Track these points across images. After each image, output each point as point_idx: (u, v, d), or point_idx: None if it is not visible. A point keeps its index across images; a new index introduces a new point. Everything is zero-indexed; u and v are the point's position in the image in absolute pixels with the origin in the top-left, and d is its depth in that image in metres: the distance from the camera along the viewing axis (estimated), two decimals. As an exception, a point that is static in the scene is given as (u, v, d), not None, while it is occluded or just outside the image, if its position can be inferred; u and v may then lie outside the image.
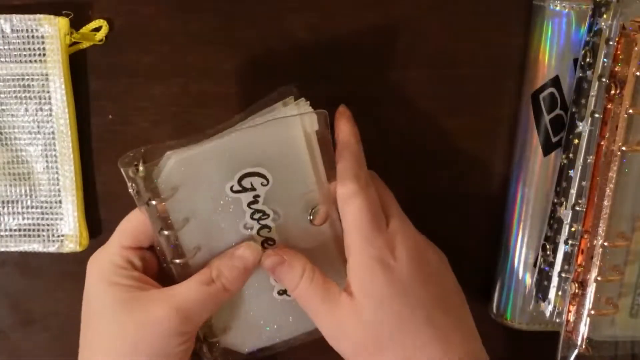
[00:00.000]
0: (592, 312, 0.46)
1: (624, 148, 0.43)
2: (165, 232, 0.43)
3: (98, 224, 0.50)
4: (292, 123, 0.42)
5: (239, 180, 0.42)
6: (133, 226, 0.43)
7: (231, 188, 0.42)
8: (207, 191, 0.42)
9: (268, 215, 0.44)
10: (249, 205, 0.43)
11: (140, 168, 0.41)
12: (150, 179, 0.41)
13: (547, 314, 0.49)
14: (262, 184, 0.43)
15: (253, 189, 0.43)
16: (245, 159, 0.42)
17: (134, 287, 0.42)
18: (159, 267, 0.45)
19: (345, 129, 0.43)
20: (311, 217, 0.44)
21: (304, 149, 0.43)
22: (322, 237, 0.45)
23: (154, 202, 0.42)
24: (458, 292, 0.45)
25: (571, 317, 0.47)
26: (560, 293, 0.48)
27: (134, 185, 0.41)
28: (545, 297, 0.48)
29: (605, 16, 0.44)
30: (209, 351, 0.47)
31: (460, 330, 0.43)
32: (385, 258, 0.41)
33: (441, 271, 0.45)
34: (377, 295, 0.41)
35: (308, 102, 0.43)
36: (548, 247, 0.48)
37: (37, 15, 0.45)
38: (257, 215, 0.43)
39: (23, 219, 0.48)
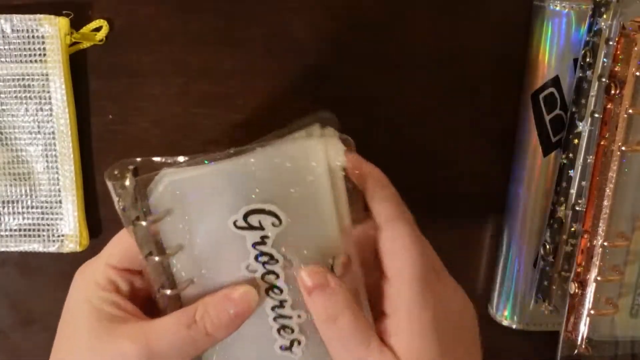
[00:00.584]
0: (592, 312, 0.46)
1: (623, 148, 0.43)
2: (155, 258, 0.37)
3: (98, 224, 0.50)
4: (313, 153, 0.36)
5: (245, 217, 0.36)
6: (123, 246, 0.38)
7: (234, 223, 0.36)
8: (205, 221, 0.36)
9: (277, 261, 0.37)
10: (254, 245, 0.37)
11: (127, 183, 0.36)
12: (140, 196, 0.36)
13: (547, 314, 0.49)
14: (272, 224, 0.36)
15: (261, 228, 0.36)
16: (253, 191, 0.36)
17: (112, 315, 0.37)
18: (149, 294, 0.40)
19: (372, 166, 0.38)
20: (332, 266, 0.37)
21: (326, 186, 0.36)
22: None
23: (143, 223, 0.36)
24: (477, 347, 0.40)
25: (571, 317, 0.47)
26: (560, 293, 0.48)
27: (120, 201, 0.36)
28: (545, 297, 0.48)
29: (605, 16, 0.44)
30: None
31: None
32: (438, 316, 0.36)
33: (472, 328, 0.39)
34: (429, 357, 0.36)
35: (337, 134, 0.37)
36: (548, 247, 0.48)
37: (38, 15, 0.45)
38: (263, 259, 0.37)
39: (23, 218, 0.48)
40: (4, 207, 0.48)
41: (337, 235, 0.37)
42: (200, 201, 0.36)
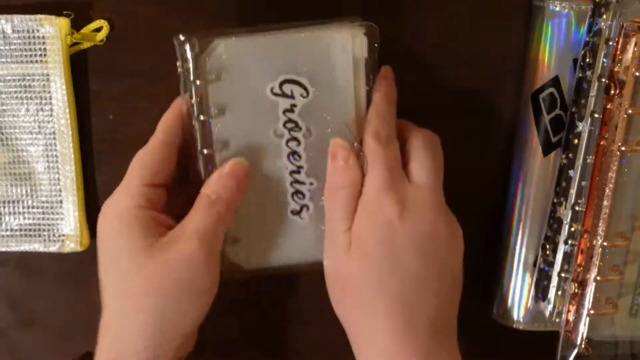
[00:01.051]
0: (592, 311, 0.46)
1: (623, 148, 0.43)
2: (202, 117, 0.43)
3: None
4: (340, 41, 0.43)
5: (280, 84, 0.43)
6: (155, 160, 0.43)
7: (271, 89, 0.43)
8: (248, 84, 0.43)
9: (300, 129, 0.44)
10: (284, 112, 0.44)
11: (188, 47, 0.42)
12: (199, 60, 0.43)
13: (547, 313, 0.49)
14: (301, 95, 0.44)
15: (292, 96, 0.44)
16: (289, 63, 0.43)
17: (157, 227, 0.42)
18: (168, 200, 0.44)
19: (380, 88, 0.44)
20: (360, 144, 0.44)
21: (349, 73, 0.44)
22: None
23: (198, 82, 0.43)
24: (453, 275, 0.44)
25: (571, 317, 0.47)
26: (560, 293, 0.48)
27: (184, 64, 0.43)
28: (545, 297, 0.48)
29: (604, 16, 0.44)
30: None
31: (432, 327, 0.41)
32: (392, 218, 0.42)
33: (444, 250, 0.43)
34: (369, 252, 0.42)
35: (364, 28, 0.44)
36: (548, 247, 0.48)
37: (38, 16, 0.45)
38: (289, 125, 0.44)
39: (24, 218, 0.48)
40: (4, 207, 0.48)
41: (351, 122, 0.44)
42: (247, 66, 0.43)
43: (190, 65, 0.43)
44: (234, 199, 0.43)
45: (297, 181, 0.46)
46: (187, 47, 0.43)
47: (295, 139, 0.45)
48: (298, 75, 0.44)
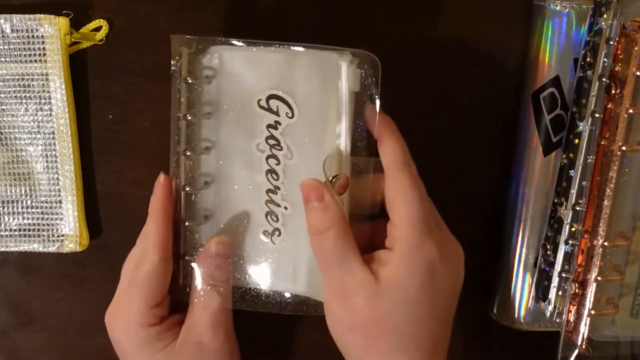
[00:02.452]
0: (593, 312, 0.46)
1: (624, 148, 0.43)
2: (188, 117, 0.43)
3: (98, 224, 0.50)
4: (333, 69, 0.42)
5: (268, 98, 0.43)
6: (157, 280, 0.43)
7: (258, 102, 0.43)
8: (237, 93, 0.43)
9: (281, 148, 0.44)
10: (268, 127, 0.43)
11: (192, 46, 0.43)
12: (194, 60, 0.43)
13: (548, 314, 0.49)
14: (287, 115, 0.43)
15: (277, 113, 0.43)
16: (280, 80, 0.43)
17: (166, 342, 0.44)
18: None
19: (387, 117, 0.43)
20: (331, 181, 0.42)
21: (338, 103, 0.42)
22: None
23: (189, 80, 0.43)
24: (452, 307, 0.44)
25: (571, 317, 0.47)
26: (560, 293, 0.48)
27: (178, 60, 0.43)
28: (545, 297, 0.48)
29: (605, 16, 0.44)
30: (181, 270, 0.46)
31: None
32: (434, 262, 0.41)
33: (453, 283, 0.43)
34: (406, 293, 0.40)
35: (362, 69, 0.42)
36: (548, 247, 0.48)
37: (37, 15, 0.45)
38: (271, 142, 0.44)
39: (23, 218, 0.48)
40: (4, 207, 0.48)
41: (336, 152, 0.43)
42: (239, 75, 0.43)
43: (184, 62, 0.43)
44: (228, 280, 0.44)
45: (272, 201, 0.45)
46: (184, 45, 0.43)
47: (275, 157, 0.44)
48: (286, 94, 0.43)
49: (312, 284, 0.45)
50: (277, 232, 0.45)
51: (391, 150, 0.42)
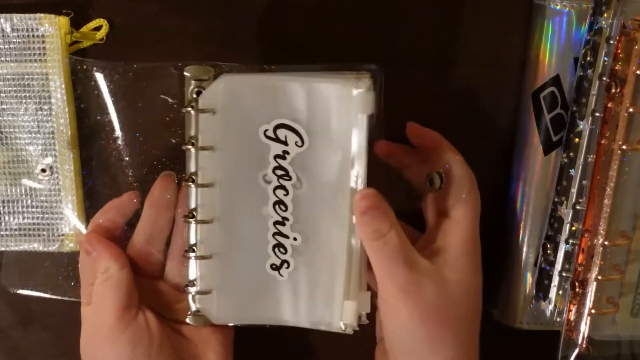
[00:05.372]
0: (593, 311, 0.46)
1: (624, 147, 0.43)
2: (191, 149, 0.42)
3: (98, 223, 0.50)
4: (342, 95, 0.40)
5: (275, 128, 0.42)
6: (128, 278, 0.44)
7: (265, 132, 0.42)
8: (242, 123, 0.42)
9: (290, 178, 0.42)
10: (275, 157, 0.42)
11: (198, 77, 0.42)
12: (200, 89, 0.42)
13: (548, 313, 0.49)
14: (296, 143, 0.42)
15: (285, 143, 0.42)
16: (288, 109, 0.41)
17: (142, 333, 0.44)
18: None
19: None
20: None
21: (348, 130, 0.41)
22: (341, 234, 0.42)
23: (191, 111, 0.42)
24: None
25: (572, 317, 0.47)
26: (560, 292, 0.48)
27: (188, 88, 0.42)
28: (545, 297, 0.48)
29: (605, 15, 0.44)
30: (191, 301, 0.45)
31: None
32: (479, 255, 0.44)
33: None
34: (467, 281, 0.43)
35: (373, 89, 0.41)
36: (549, 246, 0.48)
37: (38, 15, 0.45)
38: (279, 172, 0.42)
39: (23, 218, 0.48)
40: (4, 207, 0.48)
41: (348, 175, 0.41)
42: (244, 105, 0.42)
43: (191, 91, 0.42)
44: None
45: (280, 233, 0.43)
46: (193, 78, 0.42)
47: (283, 187, 0.42)
48: (295, 122, 0.41)
49: (330, 312, 0.43)
50: (285, 265, 0.44)
51: (448, 150, 0.45)
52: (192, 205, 0.43)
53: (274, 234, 0.43)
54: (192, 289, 0.44)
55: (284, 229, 0.43)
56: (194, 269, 0.44)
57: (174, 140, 0.47)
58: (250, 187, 0.43)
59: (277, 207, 0.43)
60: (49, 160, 0.47)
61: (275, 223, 0.43)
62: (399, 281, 0.41)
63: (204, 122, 0.42)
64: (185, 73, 0.42)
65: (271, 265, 0.44)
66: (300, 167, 0.42)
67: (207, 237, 0.44)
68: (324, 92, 0.41)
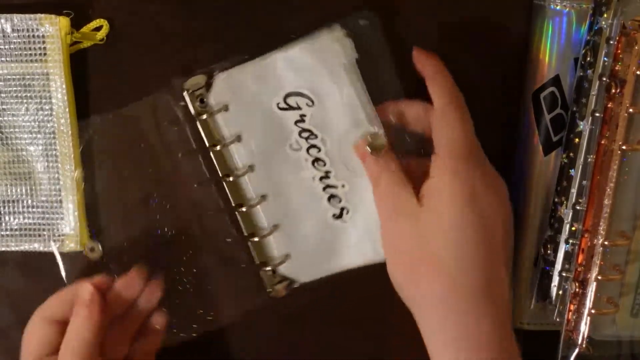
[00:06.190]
0: (593, 311, 0.46)
1: (624, 147, 0.43)
2: (217, 148, 0.46)
3: (98, 223, 0.50)
4: (326, 49, 0.45)
5: (285, 98, 0.46)
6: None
7: (277, 105, 0.46)
8: (256, 106, 0.46)
9: (316, 136, 0.46)
10: (296, 123, 0.46)
11: (189, 86, 0.46)
12: (203, 96, 0.46)
13: (548, 313, 0.49)
14: (307, 105, 0.46)
15: (299, 107, 0.46)
16: (288, 79, 0.45)
17: None
18: None
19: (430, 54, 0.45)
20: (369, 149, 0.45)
21: (344, 77, 0.45)
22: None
23: (204, 117, 0.46)
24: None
25: (572, 317, 0.47)
26: (560, 292, 0.48)
27: (189, 102, 0.46)
28: (545, 297, 0.48)
29: (605, 15, 0.44)
30: (269, 279, 0.49)
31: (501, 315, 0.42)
32: (475, 189, 0.42)
33: (502, 216, 0.44)
34: (446, 217, 0.42)
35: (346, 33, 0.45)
36: (549, 246, 0.48)
37: (38, 15, 0.45)
38: (305, 134, 0.46)
39: (24, 218, 0.48)
40: (4, 207, 0.48)
41: (362, 116, 0.45)
42: (250, 89, 0.46)
43: (195, 103, 0.46)
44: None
45: (329, 186, 0.47)
46: (186, 90, 0.46)
47: (314, 146, 0.46)
48: (299, 88, 0.45)
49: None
50: (345, 210, 0.47)
51: (438, 87, 0.44)
52: (248, 192, 0.47)
53: (324, 188, 0.47)
54: (270, 264, 0.48)
55: (330, 181, 0.47)
56: (268, 246, 0.48)
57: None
58: (283, 159, 0.47)
59: (316, 164, 0.47)
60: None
61: (321, 178, 0.47)
62: (386, 205, 0.44)
63: (222, 119, 0.46)
64: (185, 89, 0.46)
65: (333, 215, 0.48)
66: (320, 122, 0.46)
67: (266, 213, 0.48)
68: (304, 54, 0.45)
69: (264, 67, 0.45)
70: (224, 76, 0.46)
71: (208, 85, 0.46)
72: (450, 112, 0.43)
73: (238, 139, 0.47)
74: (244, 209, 0.48)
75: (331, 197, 0.47)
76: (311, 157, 0.46)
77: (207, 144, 0.47)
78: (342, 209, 0.47)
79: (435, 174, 0.43)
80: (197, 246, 0.49)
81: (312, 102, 0.45)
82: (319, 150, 0.46)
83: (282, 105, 0.46)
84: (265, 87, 0.46)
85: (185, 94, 0.46)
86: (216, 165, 0.47)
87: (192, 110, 0.46)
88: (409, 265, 0.43)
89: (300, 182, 0.47)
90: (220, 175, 0.47)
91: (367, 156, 0.45)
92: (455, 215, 0.41)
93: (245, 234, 0.48)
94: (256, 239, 0.48)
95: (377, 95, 0.46)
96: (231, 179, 0.47)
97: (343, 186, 0.47)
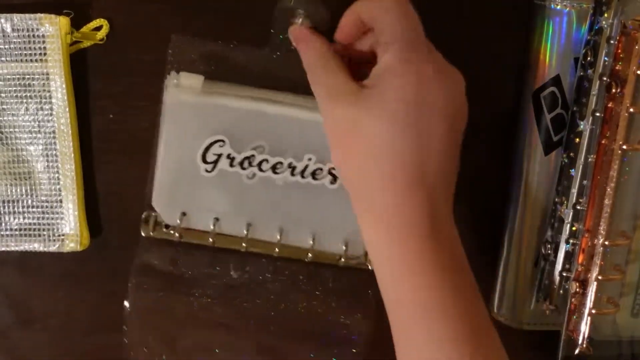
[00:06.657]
0: (593, 311, 0.46)
1: (624, 147, 0.43)
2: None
3: (99, 223, 0.50)
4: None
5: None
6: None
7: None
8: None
9: (282, 164, 0.48)
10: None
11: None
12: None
13: (548, 313, 0.49)
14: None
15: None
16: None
17: None
18: None
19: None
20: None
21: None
22: None
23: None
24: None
25: (572, 317, 0.47)
26: (561, 292, 0.48)
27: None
28: (546, 297, 0.48)
29: (606, 15, 0.44)
30: None
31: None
32: (424, 76, 0.40)
33: (453, 107, 0.42)
34: (386, 101, 0.39)
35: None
36: (549, 246, 0.48)
37: (38, 15, 0.45)
38: (266, 167, 0.48)
39: (24, 218, 0.48)
40: (4, 207, 0.48)
41: None
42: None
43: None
44: None
45: (303, 171, 0.48)
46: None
47: (273, 167, 0.48)
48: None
49: None
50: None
51: None
52: None
53: (312, 175, 0.48)
54: None
55: (299, 168, 0.48)
56: None
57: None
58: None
59: (280, 172, 0.48)
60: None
61: (296, 174, 0.48)
62: (321, 87, 0.42)
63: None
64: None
65: (330, 182, 0.49)
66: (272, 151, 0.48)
67: None
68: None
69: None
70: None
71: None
72: (395, 7, 0.41)
73: None
74: None
75: (315, 172, 0.48)
76: (281, 175, 0.48)
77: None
78: (329, 172, 0.48)
79: (381, 62, 0.40)
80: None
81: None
82: (275, 163, 0.48)
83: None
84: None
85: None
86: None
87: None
88: (346, 146, 0.40)
89: (303, 189, 0.48)
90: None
91: (300, 41, 0.44)
92: (396, 102, 0.39)
93: None
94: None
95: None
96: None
97: (310, 159, 0.48)
